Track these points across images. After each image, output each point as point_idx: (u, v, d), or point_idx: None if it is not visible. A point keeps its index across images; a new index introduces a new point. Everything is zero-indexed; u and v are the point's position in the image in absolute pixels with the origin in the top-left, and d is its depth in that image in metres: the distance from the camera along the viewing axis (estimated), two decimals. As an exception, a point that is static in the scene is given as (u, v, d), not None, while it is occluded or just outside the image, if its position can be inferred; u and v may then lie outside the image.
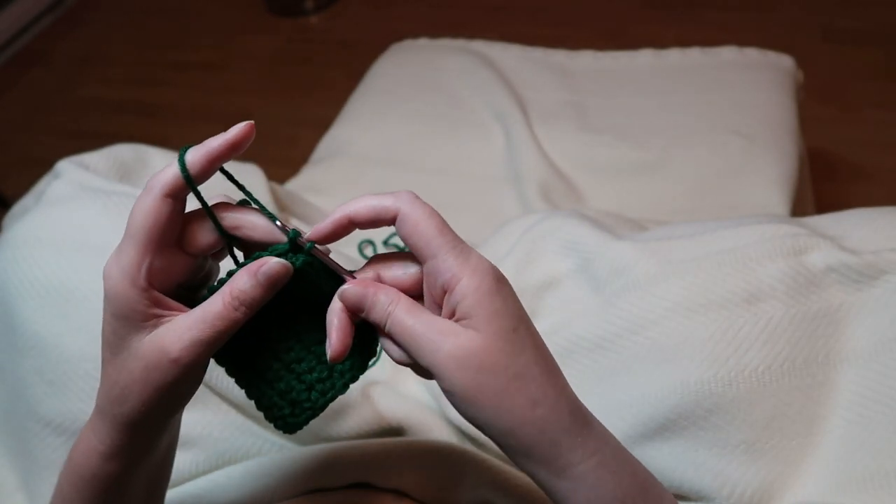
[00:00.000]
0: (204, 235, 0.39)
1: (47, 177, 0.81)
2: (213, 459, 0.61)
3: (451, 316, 0.36)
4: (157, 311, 0.37)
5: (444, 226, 0.37)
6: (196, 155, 0.37)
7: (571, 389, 0.38)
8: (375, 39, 1.68)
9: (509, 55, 1.28)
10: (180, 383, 0.38)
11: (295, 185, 1.14)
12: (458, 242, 0.37)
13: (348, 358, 0.41)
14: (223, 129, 0.37)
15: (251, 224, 0.39)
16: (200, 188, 0.38)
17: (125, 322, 0.37)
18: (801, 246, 0.57)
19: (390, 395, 0.63)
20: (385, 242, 0.87)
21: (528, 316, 0.38)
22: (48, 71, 2.46)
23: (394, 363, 0.48)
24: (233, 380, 0.42)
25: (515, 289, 0.63)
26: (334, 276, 0.40)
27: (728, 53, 1.20)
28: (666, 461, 0.54)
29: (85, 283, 0.62)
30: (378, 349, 0.42)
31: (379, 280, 0.39)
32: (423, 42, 1.36)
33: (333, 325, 0.38)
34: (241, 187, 0.40)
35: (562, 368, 0.60)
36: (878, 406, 0.51)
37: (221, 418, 0.62)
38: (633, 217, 0.90)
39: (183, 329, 0.37)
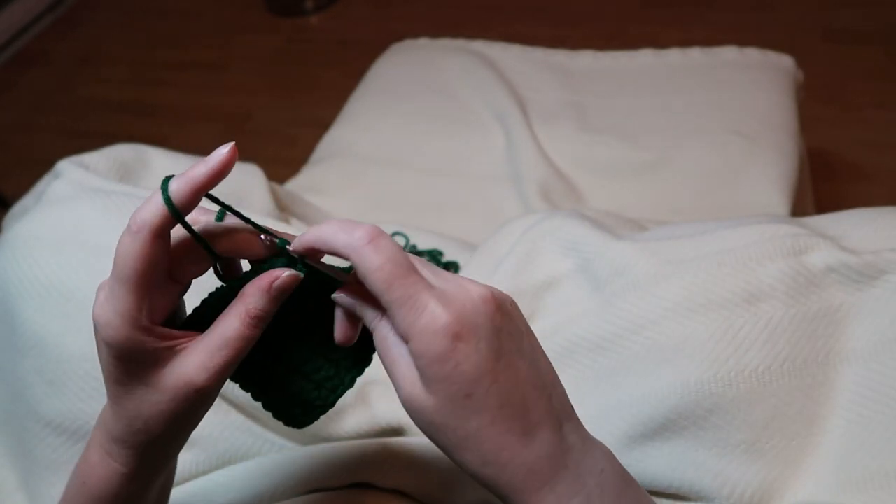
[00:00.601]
0: (197, 266, 0.39)
1: (47, 177, 0.81)
2: (213, 459, 0.61)
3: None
4: (167, 343, 0.37)
5: (395, 277, 0.34)
6: (180, 186, 0.35)
7: (551, 433, 0.36)
8: (375, 39, 1.69)
9: (509, 55, 1.28)
10: (206, 406, 0.39)
11: (295, 185, 1.14)
12: (409, 296, 0.34)
13: (351, 353, 0.42)
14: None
15: (248, 245, 0.39)
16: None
17: (136, 364, 0.37)
18: (801, 246, 0.57)
19: (390, 396, 0.63)
20: (385, 242, 0.87)
21: (502, 364, 0.35)
22: (48, 71, 2.46)
23: None
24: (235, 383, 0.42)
25: (515, 289, 0.64)
26: (329, 277, 0.40)
27: (728, 53, 1.20)
28: (666, 461, 0.54)
29: (85, 283, 0.61)
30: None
31: None
32: (423, 42, 1.36)
33: (337, 318, 0.39)
34: (225, 206, 0.39)
35: (562, 369, 0.60)
36: (879, 406, 0.51)
37: (221, 418, 0.62)
38: (633, 217, 0.90)
39: (205, 358, 0.37)
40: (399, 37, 1.43)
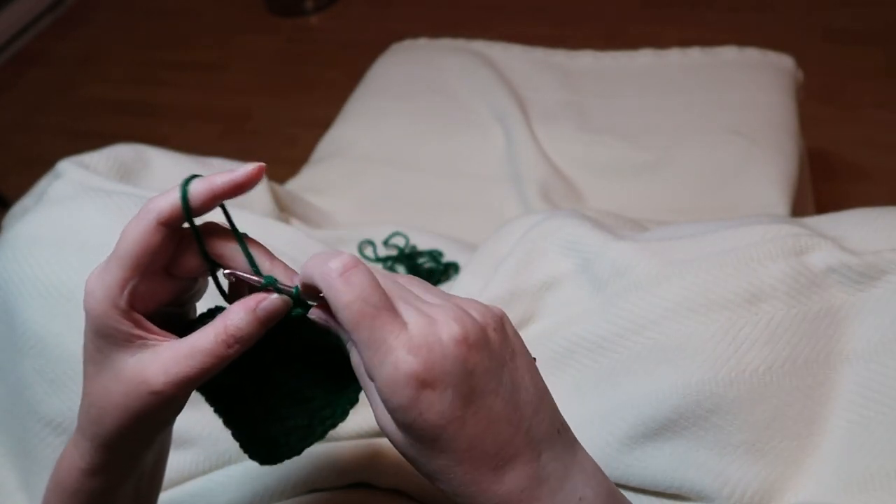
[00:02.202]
0: (190, 260, 0.38)
1: (47, 177, 0.81)
2: (213, 459, 0.61)
3: None
4: (140, 332, 0.37)
5: (365, 315, 0.33)
6: (199, 188, 0.36)
7: (526, 464, 0.35)
8: (375, 39, 1.68)
9: (509, 55, 1.28)
10: (160, 412, 0.37)
11: (295, 185, 1.14)
12: (374, 339, 0.33)
13: (329, 406, 0.41)
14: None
15: (231, 255, 0.38)
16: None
17: (107, 341, 0.37)
18: (801, 246, 0.57)
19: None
20: (385, 243, 0.87)
21: (466, 412, 0.34)
22: (48, 71, 2.46)
23: None
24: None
25: (515, 289, 0.64)
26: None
27: (728, 53, 1.20)
28: (667, 461, 0.54)
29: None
30: (359, 395, 0.41)
31: None
32: (423, 42, 1.36)
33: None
34: (233, 225, 0.39)
35: (562, 369, 0.60)
36: (879, 406, 0.51)
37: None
38: (634, 217, 0.90)
39: (169, 362, 0.36)
40: (399, 37, 1.43)
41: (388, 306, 0.34)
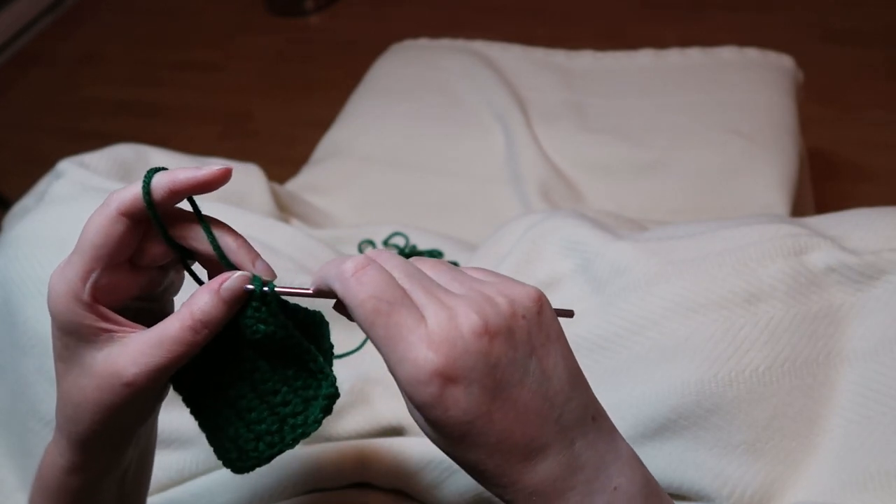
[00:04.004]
0: (154, 248, 0.38)
1: (48, 177, 0.81)
2: (213, 459, 0.61)
3: None
4: (106, 325, 0.36)
5: (380, 311, 0.33)
6: (161, 181, 0.36)
7: (557, 453, 0.35)
8: (375, 39, 1.68)
9: (509, 55, 1.28)
10: (135, 404, 0.37)
11: (295, 185, 1.14)
12: (391, 336, 0.33)
13: (301, 413, 0.40)
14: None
15: (195, 236, 0.38)
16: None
17: (73, 337, 0.36)
18: (801, 246, 0.57)
19: (390, 396, 0.63)
20: (385, 243, 0.87)
21: (493, 406, 0.33)
22: (48, 71, 2.46)
23: None
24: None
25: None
26: (294, 318, 0.39)
27: (728, 53, 1.20)
28: (666, 461, 0.54)
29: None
30: (331, 405, 0.40)
31: None
32: (423, 42, 1.36)
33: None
34: (195, 206, 0.38)
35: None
36: (879, 406, 0.51)
37: (222, 418, 0.62)
38: (633, 217, 0.90)
39: (137, 352, 0.36)
40: (399, 37, 1.43)
41: (404, 301, 0.34)
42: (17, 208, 0.85)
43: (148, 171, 0.36)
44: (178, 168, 0.36)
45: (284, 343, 0.38)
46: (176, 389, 0.40)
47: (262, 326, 0.37)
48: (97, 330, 0.36)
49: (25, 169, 1.45)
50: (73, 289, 0.36)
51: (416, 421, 0.36)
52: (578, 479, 0.35)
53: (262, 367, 0.39)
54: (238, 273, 0.37)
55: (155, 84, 2.30)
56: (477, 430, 0.33)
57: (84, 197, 0.68)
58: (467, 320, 0.33)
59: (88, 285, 0.36)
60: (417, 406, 0.33)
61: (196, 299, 0.36)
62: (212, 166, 0.36)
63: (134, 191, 0.36)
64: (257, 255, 0.38)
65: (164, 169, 0.37)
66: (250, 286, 0.37)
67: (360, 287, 0.33)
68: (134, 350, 0.36)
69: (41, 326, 0.61)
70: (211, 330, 0.36)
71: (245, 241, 0.38)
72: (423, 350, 0.32)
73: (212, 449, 0.41)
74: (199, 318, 0.36)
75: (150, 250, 0.38)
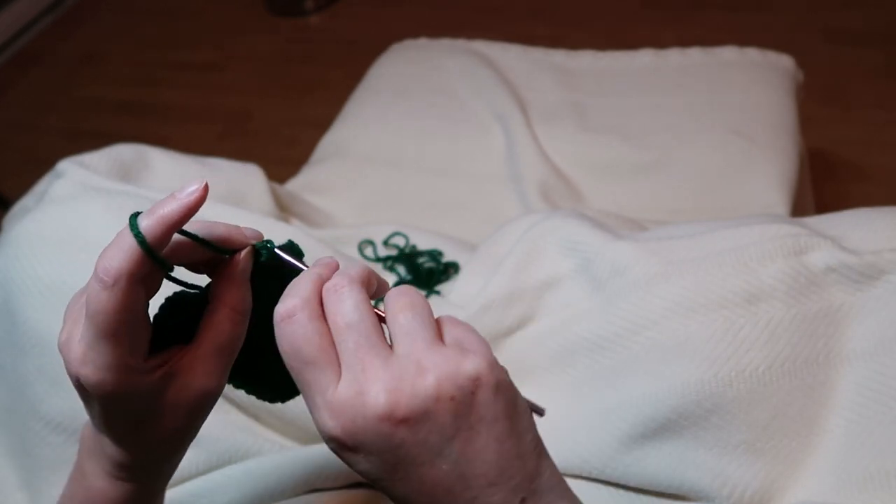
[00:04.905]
0: (156, 279, 0.37)
1: (48, 177, 0.81)
2: (213, 459, 0.61)
3: None
4: (161, 371, 0.36)
5: (293, 367, 0.34)
6: (152, 224, 0.33)
7: (497, 489, 0.34)
8: (375, 39, 1.68)
9: (509, 55, 1.28)
10: (213, 406, 0.40)
11: (295, 185, 1.14)
12: (304, 389, 0.34)
13: None
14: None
15: (186, 253, 0.37)
16: None
17: (137, 402, 0.36)
18: (801, 246, 0.57)
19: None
20: (385, 243, 0.87)
21: (395, 476, 0.34)
22: (48, 71, 2.46)
23: None
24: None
25: (515, 289, 0.64)
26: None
27: (728, 53, 1.20)
28: (666, 461, 0.54)
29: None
30: None
31: None
32: (423, 42, 1.36)
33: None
34: (198, 239, 0.37)
35: (562, 368, 0.60)
36: (879, 406, 0.51)
37: (222, 418, 0.62)
38: (634, 217, 0.90)
39: (206, 367, 0.37)
40: (399, 37, 1.43)
41: (319, 361, 0.34)
42: (17, 208, 0.85)
43: (130, 220, 0.33)
44: (156, 205, 0.34)
45: (288, 275, 0.39)
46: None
47: (264, 252, 0.39)
48: (158, 380, 0.36)
49: (25, 169, 1.45)
50: (125, 368, 0.34)
51: None
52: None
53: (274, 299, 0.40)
54: (243, 253, 0.38)
55: (155, 84, 2.30)
56: (381, 487, 0.35)
57: (85, 196, 0.68)
58: (375, 402, 0.32)
59: (138, 354, 0.35)
60: (331, 448, 0.35)
61: (228, 296, 0.38)
62: (188, 188, 0.34)
63: (130, 255, 0.33)
64: (239, 228, 0.39)
65: (139, 213, 0.34)
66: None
67: (282, 336, 0.35)
68: (201, 367, 0.37)
69: (41, 326, 0.61)
70: (249, 311, 0.38)
71: (223, 223, 0.38)
72: (325, 415, 0.33)
73: (269, 412, 0.44)
74: (241, 309, 0.38)
75: (152, 286, 0.37)
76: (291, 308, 0.34)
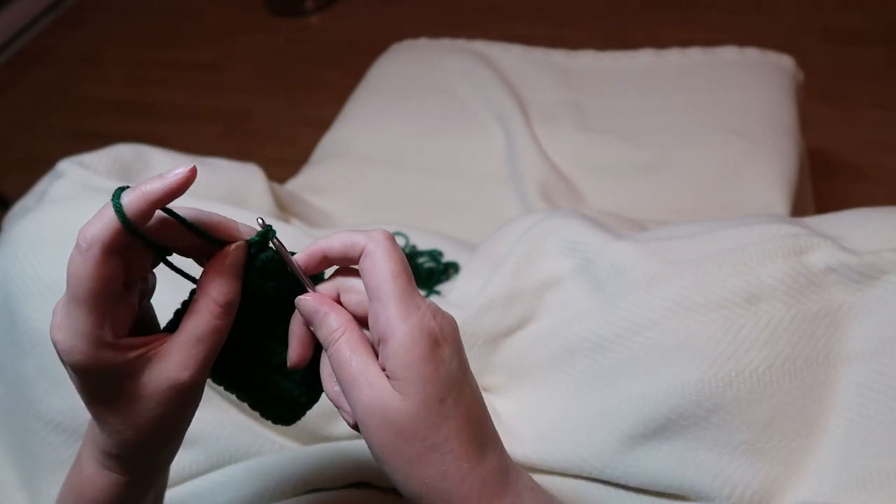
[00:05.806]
0: (136, 258, 0.37)
1: (48, 177, 0.81)
2: (213, 459, 0.61)
3: (385, 367, 0.36)
4: (137, 353, 0.36)
5: (402, 274, 0.37)
6: (133, 199, 0.34)
7: (496, 450, 0.38)
8: (375, 39, 1.68)
9: (509, 55, 1.28)
10: (194, 402, 0.40)
11: (295, 185, 1.14)
12: (407, 293, 0.36)
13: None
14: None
15: (174, 234, 0.37)
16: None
17: (112, 380, 0.36)
18: (801, 246, 0.57)
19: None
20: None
21: (466, 379, 0.38)
22: (48, 71, 2.46)
23: None
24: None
25: (515, 289, 0.64)
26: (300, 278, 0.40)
27: (728, 53, 1.20)
28: (666, 461, 0.54)
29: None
30: None
31: (338, 299, 0.39)
32: (423, 42, 1.36)
33: (294, 334, 0.39)
34: (182, 219, 0.37)
35: (562, 368, 0.60)
36: (879, 406, 0.51)
37: (221, 417, 0.63)
38: (633, 217, 0.90)
39: (182, 356, 0.37)
40: (399, 37, 1.43)
41: (411, 280, 0.38)
42: (17, 208, 0.85)
43: (114, 195, 0.34)
44: (142, 182, 0.35)
45: (290, 279, 0.39)
46: (213, 379, 0.42)
47: (263, 255, 0.39)
48: (132, 360, 0.36)
49: (25, 169, 1.45)
50: (95, 339, 0.35)
51: (383, 410, 0.36)
52: (511, 476, 0.38)
53: (279, 318, 0.40)
54: (233, 246, 0.38)
55: (155, 84, 2.30)
56: (454, 396, 0.36)
57: (85, 196, 0.68)
58: (448, 317, 0.38)
59: (107, 328, 0.35)
60: (415, 359, 0.35)
61: (211, 287, 0.37)
62: (176, 170, 0.35)
63: (107, 224, 0.34)
64: (234, 222, 0.39)
65: (126, 188, 0.35)
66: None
67: (389, 250, 0.37)
68: (178, 356, 0.37)
69: (41, 326, 0.61)
70: (235, 308, 0.38)
71: (215, 214, 0.39)
72: (430, 315, 0.37)
73: (258, 414, 0.43)
74: (223, 301, 0.37)
75: (135, 263, 0.37)
76: (378, 235, 0.38)
